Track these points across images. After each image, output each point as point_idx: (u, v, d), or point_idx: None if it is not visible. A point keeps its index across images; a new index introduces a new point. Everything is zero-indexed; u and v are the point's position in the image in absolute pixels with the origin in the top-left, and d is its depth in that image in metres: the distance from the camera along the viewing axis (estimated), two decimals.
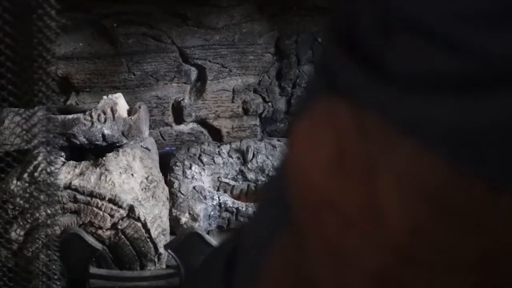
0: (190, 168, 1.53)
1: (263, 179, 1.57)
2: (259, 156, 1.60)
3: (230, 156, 1.60)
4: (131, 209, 1.25)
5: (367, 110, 0.18)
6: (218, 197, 1.45)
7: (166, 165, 1.56)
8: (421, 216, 0.17)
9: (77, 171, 1.30)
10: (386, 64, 0.18)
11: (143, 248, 1.27)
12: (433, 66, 0.17)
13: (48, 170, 0.95)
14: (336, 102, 0.19)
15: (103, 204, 1.25)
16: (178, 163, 1.55)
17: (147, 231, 1.27)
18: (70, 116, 1.40)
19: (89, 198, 1.25)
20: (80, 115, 1.41)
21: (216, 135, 1.85)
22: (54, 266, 1.03)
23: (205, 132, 1.84)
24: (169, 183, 1.49)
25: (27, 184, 1.10)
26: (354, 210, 0.19)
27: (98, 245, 1.22)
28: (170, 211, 1.42)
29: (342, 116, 0.19)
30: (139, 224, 1.26)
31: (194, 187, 1.47)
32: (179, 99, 1.78)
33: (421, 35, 0.17)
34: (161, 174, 1.47)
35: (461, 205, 0.17)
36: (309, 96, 0.23)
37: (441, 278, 0.18)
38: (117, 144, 1.43)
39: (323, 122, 0.20)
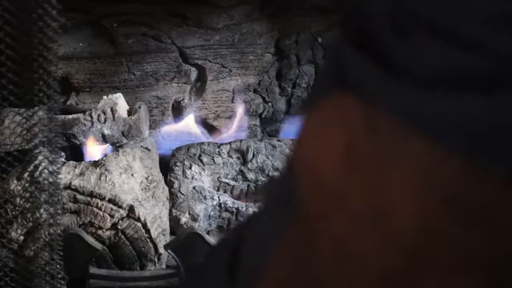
0: (190, 168, 1.53)
1: (263, 179, 1.57)
2: (259, 156, 1.60)
3: (230, 156, 1.60)
4: (131, 209, 1.25)
5: (379, 106, 0.18)
6: (218, 197, 1.45)
7: (166, 165, 1.56)
8: (433, 214, 0.17)
9: (77, 171, 1.29)
10: (400, 61, 0.18)
11: (143, 248, 1.27)
12: (448, 65, 0.17)
13: (49, 169, 0.94)
14: (348, 98, 0.19)
15: (103, 204, 1.25)
16: (178, 163, 1.55)
17: (147, 231, 1.27)
18: (70, 116, 1.40)
19: (89, 198, 1.24)
20: (80, 115, 1.40)
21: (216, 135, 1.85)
22: (58, 266, 1.03)
23: (205, 132, 1.84)
24: (169, 183, 1.48)
25: (27, 184, 1.10)
26: (364, 208, 0.19)
27: (98, 245, 1.22)
28: (170, 211, 1.41)
29: (353, 112, 0.19)
30: (139, 224, 1.26)
31: (194, 187, 1.46)
32: (179, 99, 1.78)
33: (439, 35, 0.17)
34: (161, 174, 1.47)
35: (475, 202, 0.17)
36: (318, 92, 0.23)
37: (452, 276, 0.18)
38: (117, 144, 1.43)
39: (334, 117, 0.20)
